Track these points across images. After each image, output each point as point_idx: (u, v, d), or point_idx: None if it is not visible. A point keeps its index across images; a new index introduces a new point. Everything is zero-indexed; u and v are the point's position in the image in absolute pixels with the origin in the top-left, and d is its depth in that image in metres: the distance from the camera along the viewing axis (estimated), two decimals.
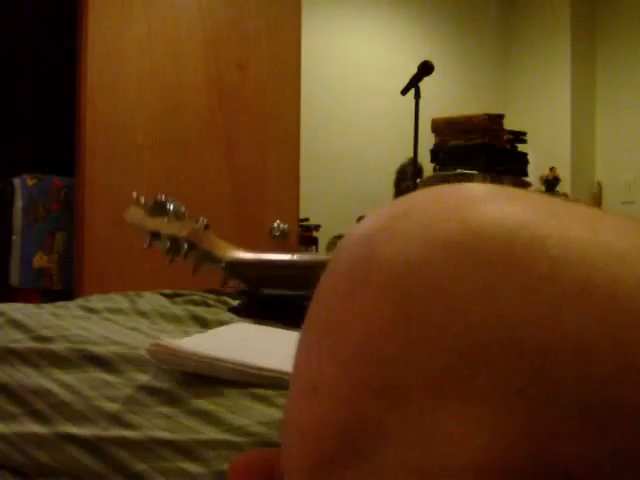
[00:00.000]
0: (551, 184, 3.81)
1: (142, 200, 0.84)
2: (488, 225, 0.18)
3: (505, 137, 3.10)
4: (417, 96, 2.74)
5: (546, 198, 0.21)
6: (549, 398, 0.17)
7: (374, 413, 0.18)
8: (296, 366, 0.21)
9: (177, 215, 0.80)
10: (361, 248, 0.20)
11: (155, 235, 0.82)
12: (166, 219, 0.80)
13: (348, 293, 0.19)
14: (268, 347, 0.69)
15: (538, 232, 0.18)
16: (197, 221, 0.80)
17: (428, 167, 3.34)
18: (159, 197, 0.83)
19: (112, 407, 0.62)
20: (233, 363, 0.65)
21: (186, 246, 0.79)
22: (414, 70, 2.75)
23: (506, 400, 0.17)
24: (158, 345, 0.68)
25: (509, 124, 3.23)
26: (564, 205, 0.20)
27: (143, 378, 0.67)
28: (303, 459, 0.19)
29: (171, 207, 0.80)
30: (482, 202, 0.19)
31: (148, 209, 0.82)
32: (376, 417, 0.18)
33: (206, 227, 0.80)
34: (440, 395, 0.17)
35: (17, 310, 0.88)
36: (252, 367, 0.64)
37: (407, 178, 3.33)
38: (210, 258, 0.75)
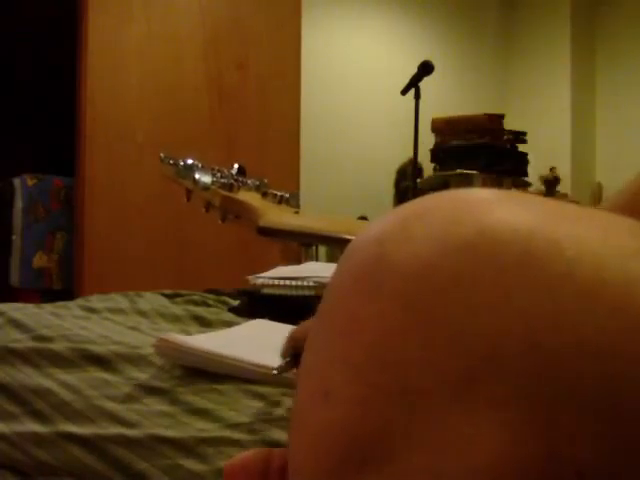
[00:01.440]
0: (551, 184, 3.81)
1: (170, 161, 0.83)
2: (503, 229, 0.19)
3: (505, 137, 3.10)
4: (417, 96, 2.74)
5: (554, 202, 0.21)
6: (563, 399, 0.17)
7: (389, 418, 0.18)
8: (306, 368, 0.21)
9: (204, 183, 0.79)
10: (374, 251, 0.20)
11: (190, 190, 0.81)
12: (193, 180, 0.79)
13: (361, 296, 0.19)
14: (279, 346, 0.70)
15: (552, 235, 0.18)
16: (231, 185, 0.78)
17: (428, 167, 3.34)
18: (187, 161, 0.82)
19: (112, 406, 0.62)
20: (238, 360, 0.65)
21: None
22: (414, 70, 2.75)
23: (522, 402, 0.17)
24: (164, 340, 0.68)
25: (509, 124, 3.23)
26: (573, 208, 0.20)
27: (143, 377, 0.67)
28: (314, 464, 0.19)
29: (197, 176, 0.79)
30: (495, 206, 0.19)
31: (178, 170, 0.81)
32: (391, 422, 0.18)
33: (264, 194, 0.78)
34: (456, 398, 0.17)
35: (17, 310, 0.89)
36: (257, 365, 0.64)
37: (407, 178, 3.33)
38: (245, 219, 0.74)
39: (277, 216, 0.69)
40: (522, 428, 0.17)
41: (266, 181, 0.81)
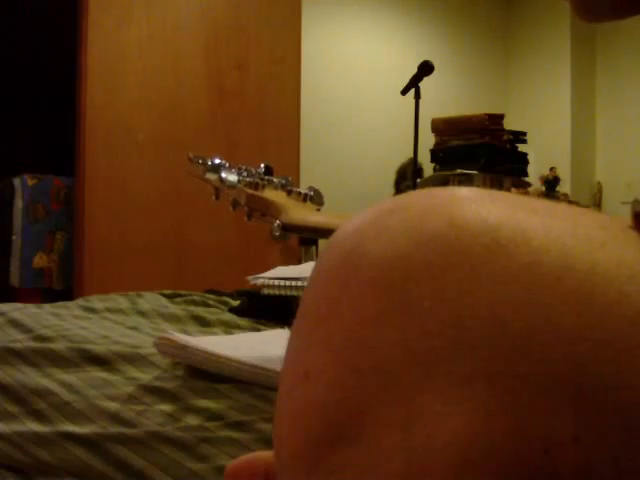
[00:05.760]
0: (551, 184, 3.81)
1: (199, 160, 0.84)
2: (473, 220, 0.20)
3: (505, 137, 3.10)
4: (417, 96, 2.74)
5: (527, 198, 0.22)
6: (529, 377, 0.17)
7: (363, 396, 0.19)
8: (288, 355, 0.22)
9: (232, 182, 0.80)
10: (351, 242, 0.21)
11: (218, 188, 0.83)
12: (220, 178, 0.80)
13: (340, 284, 0.20)
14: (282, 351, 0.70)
15: (520, 225, 0.19)
16: (255, 184, 0.79)
17: (428, 167, 3.34)
18: (214, 160, 0.83)
19: (112, 406, 0.62)
20: (238, 362, 0.65)
21: (246, 208, 0.79)
22: (414, 70, 2.75)
23: (489, 379, 0.17)
24: (166, 338, 0.69)
25: (509, 124, 3.23)
26: (545, 203, 0.21)
27: (143, 377, 0.67)
28: (293, 443, 0.20)
29: (224, 175, 0.80)
30: (467, 201, 0.21)
31: (205, 169, 0.82)
32: (365, 399, 0.19)
33: (290, 192, 0.79)
34: (427, 377, 0.18)
35: (17, 310, 0.89)
36: (256, 367, 0.64)
37: (407, 178, 3.33)
38: (268, 216, 0.76)
39: (300, 213, 0.71)
40: (488, 405, 0.17)
41: (291, 179, 0.83)
